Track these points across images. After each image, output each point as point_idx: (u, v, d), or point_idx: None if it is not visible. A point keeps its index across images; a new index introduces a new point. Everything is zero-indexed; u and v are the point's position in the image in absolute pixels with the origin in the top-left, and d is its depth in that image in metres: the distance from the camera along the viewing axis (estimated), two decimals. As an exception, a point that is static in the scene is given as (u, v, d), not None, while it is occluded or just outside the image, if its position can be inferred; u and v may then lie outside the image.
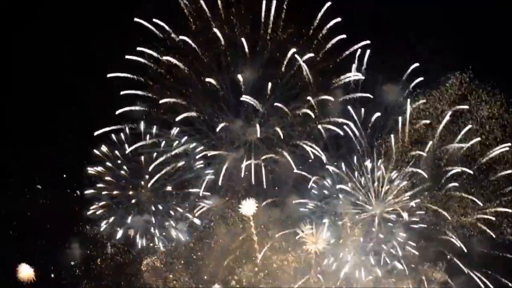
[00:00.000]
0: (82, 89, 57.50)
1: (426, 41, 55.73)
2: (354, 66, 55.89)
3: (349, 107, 55.64)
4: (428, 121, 55.81)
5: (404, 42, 56.07)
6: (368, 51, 55.53)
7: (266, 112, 56.16)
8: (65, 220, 58.03)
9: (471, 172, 54.75)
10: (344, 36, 55.30)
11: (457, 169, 54.89)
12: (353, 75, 55.59)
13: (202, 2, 55.42)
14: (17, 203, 57.91)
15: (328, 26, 55.10)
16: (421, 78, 55.43)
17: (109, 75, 55.35)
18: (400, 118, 55.47)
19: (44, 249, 57.97)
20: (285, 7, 55.10)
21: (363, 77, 55.78)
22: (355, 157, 56.32)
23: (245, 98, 55.20)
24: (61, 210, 58.22)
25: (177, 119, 55.71)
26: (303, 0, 55.08)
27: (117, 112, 55.89)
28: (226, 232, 57.26)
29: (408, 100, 55.41)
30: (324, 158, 55.75)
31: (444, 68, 55.99)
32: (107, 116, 56.27)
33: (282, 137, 55.99)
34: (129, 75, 55.72)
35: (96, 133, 56.11)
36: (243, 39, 55.02)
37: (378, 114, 55.34)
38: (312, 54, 55.22)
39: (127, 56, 55.29)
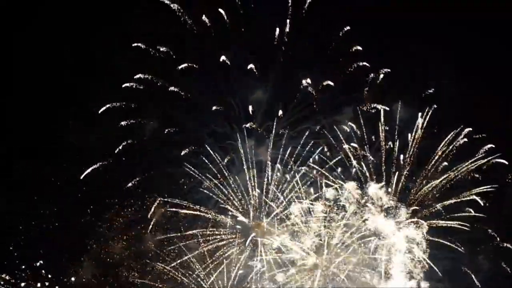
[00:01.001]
0: (82, 89, 57.38)
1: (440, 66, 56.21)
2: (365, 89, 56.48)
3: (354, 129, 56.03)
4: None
5: (418, 67, 56.53)
6: (381, 76, 56.27)
7: (274, 132, 56.17)
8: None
9: (482, 203, 54.34)
10: (366, 64, 55.95)
11: (471, 196, 54.69)
12: (367, 106, 56.19)
13: (207, 21, 55.51)
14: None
15: (343, 49, 55.81)
16: (435, 106, 55.56)
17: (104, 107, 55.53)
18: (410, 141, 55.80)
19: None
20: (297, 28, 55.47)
21: (377, 106, 56.18)
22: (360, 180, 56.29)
23: (249, 125, 55.64)
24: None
25: (182, 153, 55.68)
26: (318, 22, 55.43)
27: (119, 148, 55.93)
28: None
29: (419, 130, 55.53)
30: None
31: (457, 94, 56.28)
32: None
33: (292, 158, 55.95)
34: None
35: (85, 173, 56.02)
36: (252, 65, 55.20)
37: (390, 143, 55.75)
38: (330, 82, 55.74)
39: (126, 85, 55.41)
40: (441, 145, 55.38)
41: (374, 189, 55.37)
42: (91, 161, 55.70)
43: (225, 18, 55.38)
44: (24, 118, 58.20)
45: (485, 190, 54.33)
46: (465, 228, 54.01)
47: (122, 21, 57.16)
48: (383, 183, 55.76)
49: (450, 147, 55.41)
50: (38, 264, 57.37)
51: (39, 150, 58.36)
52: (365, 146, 55.79)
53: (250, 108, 55.76)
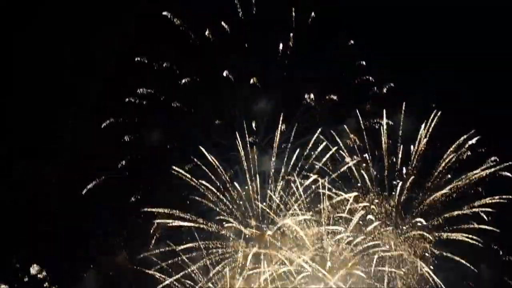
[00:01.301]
0: (82, 89, 57.18)
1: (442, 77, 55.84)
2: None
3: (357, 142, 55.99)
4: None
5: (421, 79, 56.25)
6: (384, 90, 56.29)
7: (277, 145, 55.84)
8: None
9: (485, 217, 53.85)
10: (370, 78, 56.03)
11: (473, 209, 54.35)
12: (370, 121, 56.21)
13: (210, 35, 55.35)
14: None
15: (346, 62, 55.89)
16: (437, 117, 55.31)
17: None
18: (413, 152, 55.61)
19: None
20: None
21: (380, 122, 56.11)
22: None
23: (251, 139, 55.45)
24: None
25: (186, 167, 55.40)
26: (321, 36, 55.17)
27: (122, 163, 55.84)
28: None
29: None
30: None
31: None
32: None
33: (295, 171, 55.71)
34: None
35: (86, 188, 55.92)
36: (254, 79, 55.08)
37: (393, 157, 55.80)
38: (333, 96, 55.82)
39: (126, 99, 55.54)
40: (444, 156, 55.05)
41: (376, 201, 55.27)
42: (93, 173, 55.90)
43: (228, 31, 55.18)
44: (24, 118, 58.05)
45: (488, 203, 53.96)
46: (468, 240, 53.73)
47: (122, 21, 56.73)
48: (386, 194, 55.70)
49: (453, 159, 55.09)
50: (41, 276, 57.33)
51: (39, 150, 58.17)
52: (368, 158, 55.65)
53: (254, 124, 55.85)
